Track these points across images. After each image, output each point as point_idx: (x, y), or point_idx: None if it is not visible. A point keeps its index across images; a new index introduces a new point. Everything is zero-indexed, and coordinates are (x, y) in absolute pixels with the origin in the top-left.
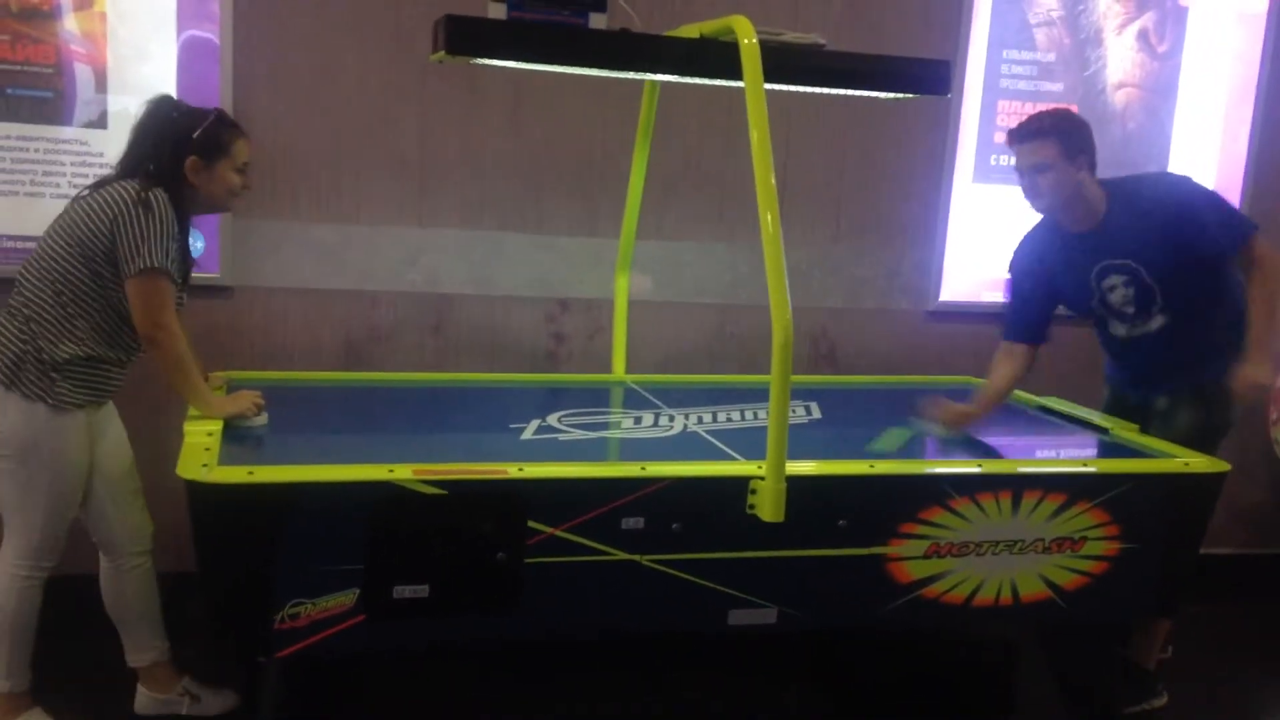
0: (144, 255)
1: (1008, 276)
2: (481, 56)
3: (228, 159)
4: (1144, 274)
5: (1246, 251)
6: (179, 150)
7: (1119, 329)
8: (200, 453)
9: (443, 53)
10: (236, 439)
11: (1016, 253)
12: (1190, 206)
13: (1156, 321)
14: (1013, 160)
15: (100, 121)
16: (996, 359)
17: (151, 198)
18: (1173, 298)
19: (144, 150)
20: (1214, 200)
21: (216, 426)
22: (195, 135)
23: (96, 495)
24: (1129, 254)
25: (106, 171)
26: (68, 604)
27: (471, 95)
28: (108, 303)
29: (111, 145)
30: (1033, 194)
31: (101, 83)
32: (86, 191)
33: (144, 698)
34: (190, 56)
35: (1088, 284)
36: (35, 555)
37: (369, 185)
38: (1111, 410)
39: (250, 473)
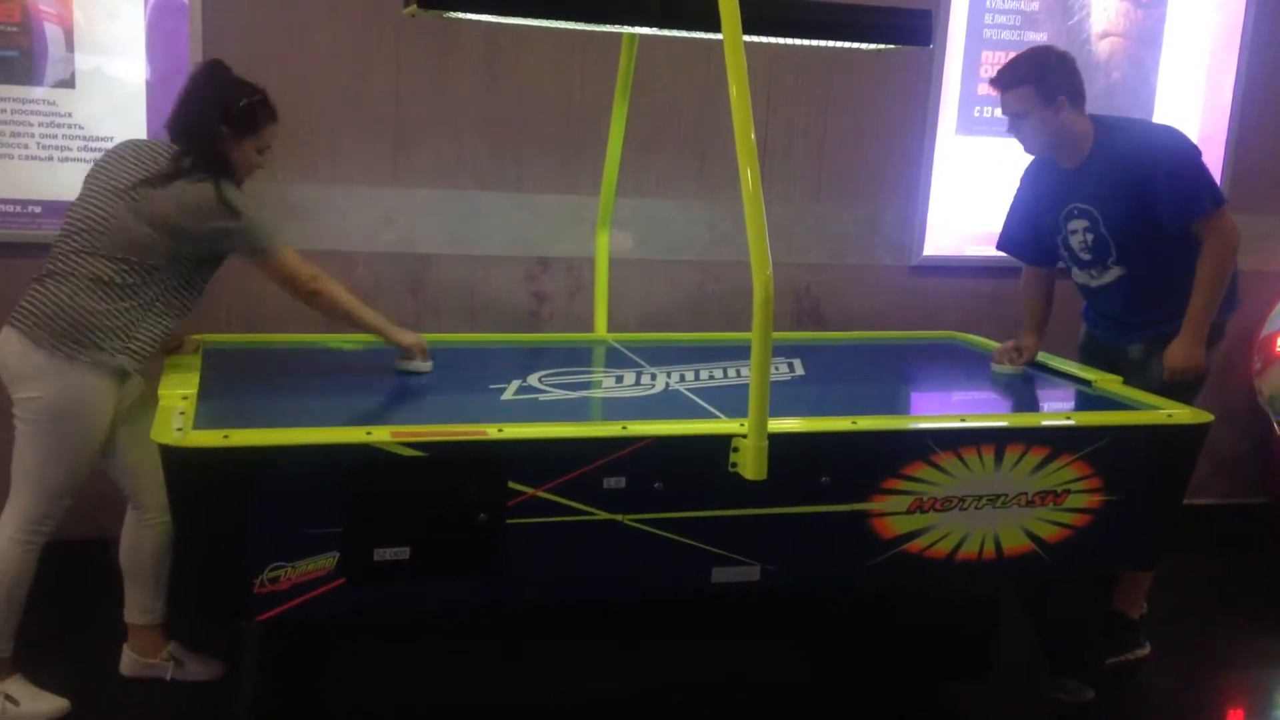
0: (266, 243)
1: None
2: (454, 9)
3: (255, 138)
4: (1101, 224)
5: (1203, 226)
6: (218, 118)
7: (1079, 275)
8: (175, 416)
9: (414, 6)
10: (212, 402)
11: (1023, 174)
12: (1156, 168)
13: (1113, 273)
14: (996, 111)
15: (69, 81)
16: (1022, 280)
17: (232, 201)
18: (1127, 252)
19: (190, 114)
20: (1186, 166)
21: (192, 390)
22: (235, 108)
23: (127, 451)
24: (1093, 200)
25: (75, 131)
26: (56, 569)
27: (447, 52)
28: (180, 275)
29: (80, 105)
30: (1018, 137)
31: (70, 42)
32: (150, 181)
33: (129, 660)
34: (160, 15)
35: (1057, 221)
36: (39, 520)
37: (343, 145)
38: (1084, 349)
39: (225, 436)
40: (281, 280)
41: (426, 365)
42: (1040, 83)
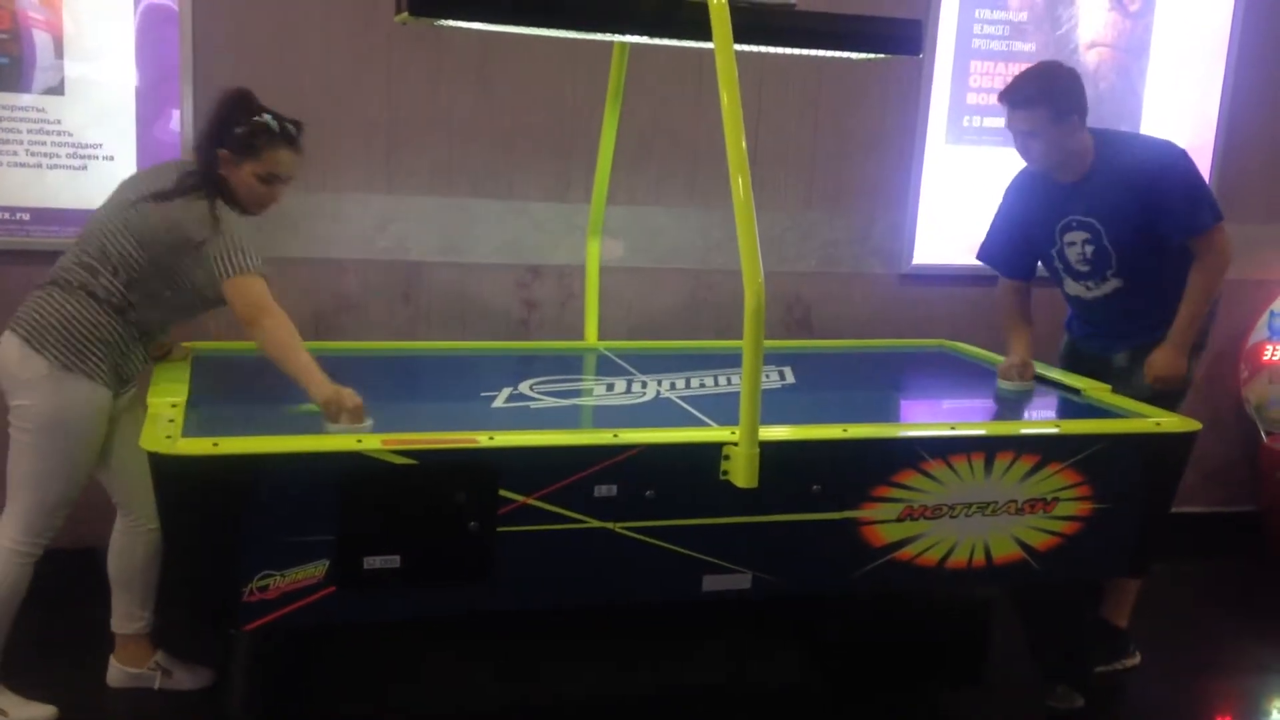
0: (231, 263)
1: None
2: (446, 17)
3: (254, 162)
4: (1104, 236)
5: (1202, 240)
6: (217, 140)
7: (1073, 287)
8: (164, 424)
9: (406, 14)
10: (201, 410)
11: (1009, 185)
12: (1162, 183)
13: (1110, 284)
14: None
15: (58, 88)
16: (1002, 295)
17: (218, 217)
18: (1126, 264)
19: (200, 135)
20: (1189, 182)
21: (181, 398)
22: (235, 130)
23: (116, 458)
24: (1096, 213)
25: (64, 138)
26: (42, 577)
27: (439, 58)
28: (179, 295)
29: (69, 112)
30: (1026, 155)
31: (59, 49)
32: (151, 197)
33: (116, 671)
34: (150, 22)
35: (1052, 233)
36: (38, 532)
37: (335, 152)
38: (1067, 360)
39: (215, 444)
40: (239, 306)
41: (364, 424)
42: (1054, 104)
